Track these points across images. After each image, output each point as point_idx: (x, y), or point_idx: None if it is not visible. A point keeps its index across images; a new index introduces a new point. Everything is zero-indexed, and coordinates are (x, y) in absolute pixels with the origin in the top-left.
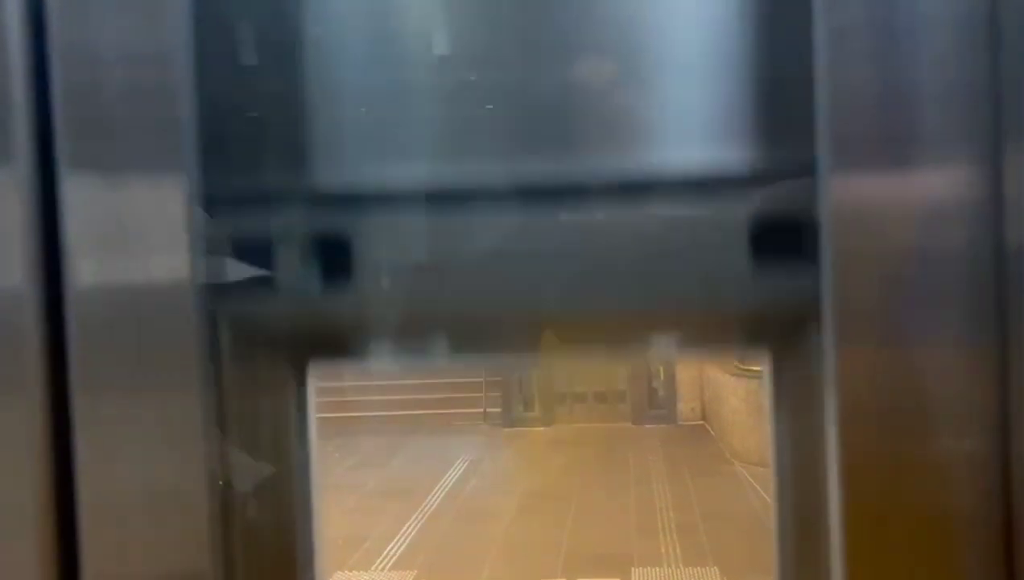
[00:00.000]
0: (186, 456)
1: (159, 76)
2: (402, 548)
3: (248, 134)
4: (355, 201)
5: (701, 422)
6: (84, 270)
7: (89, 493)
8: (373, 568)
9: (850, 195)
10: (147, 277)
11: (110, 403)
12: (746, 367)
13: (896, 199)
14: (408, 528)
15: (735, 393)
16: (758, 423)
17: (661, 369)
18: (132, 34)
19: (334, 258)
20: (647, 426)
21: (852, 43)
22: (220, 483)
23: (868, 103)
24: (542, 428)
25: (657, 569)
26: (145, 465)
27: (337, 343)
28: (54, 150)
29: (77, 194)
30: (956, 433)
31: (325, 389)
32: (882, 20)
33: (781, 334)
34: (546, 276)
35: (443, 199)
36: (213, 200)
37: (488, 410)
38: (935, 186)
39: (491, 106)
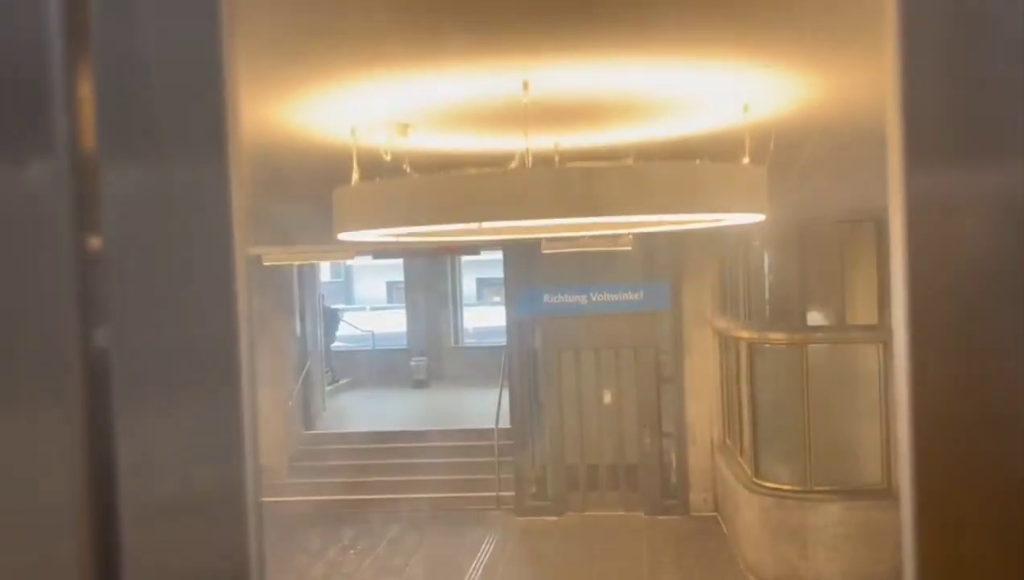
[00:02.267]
0: (226, 457)
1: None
2: None
3: None
4: None
5: (714, 513)
6: (125, 269)
7: (129, 494)
8: None
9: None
10: (188, 278)
11: (151, 404)
12: (760, 482)
13: (971, 197)
14: None
15: (750, 507)
16: (773, 542)
17: (674, 457)
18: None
19: None
20: (660, 517)
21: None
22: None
23: (942, 100)
24: (555, 518)
25: None
26: (185, 466)
27: None
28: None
29: (117, 193)
30: None
31: (336, 468)
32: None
33: None
34: None
35: None
36: None
37: (501, 494)
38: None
39: None
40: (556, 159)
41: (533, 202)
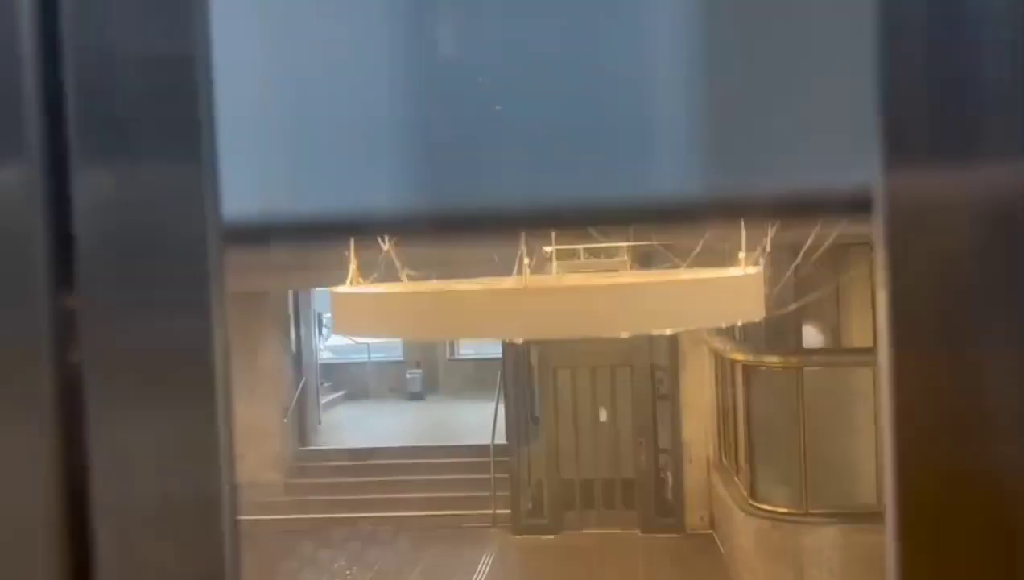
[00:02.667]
0: (202, 469)
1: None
2: None
3: None
4: None
5: (710, 531)
6: (98, 276)
7: (103, 504)
8: None
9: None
10: (163, 283)
11: (125, 412)
12: (756, 505)
13: (955, 196)
14: None
15: (746, 529)
16: (771, 565)
17: (670, 475)
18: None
19: None
20: (656, 535)
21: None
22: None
23: (924, 98)
24: (552, 536)
25: None
26: (160, 478)
27: None
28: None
29: (89, 195)
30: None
31: (332, 485)
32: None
33: None
34: None
35: None
36: None
37: (497, 512)
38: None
39: None
40: (553, 265)
41: (531, 321)
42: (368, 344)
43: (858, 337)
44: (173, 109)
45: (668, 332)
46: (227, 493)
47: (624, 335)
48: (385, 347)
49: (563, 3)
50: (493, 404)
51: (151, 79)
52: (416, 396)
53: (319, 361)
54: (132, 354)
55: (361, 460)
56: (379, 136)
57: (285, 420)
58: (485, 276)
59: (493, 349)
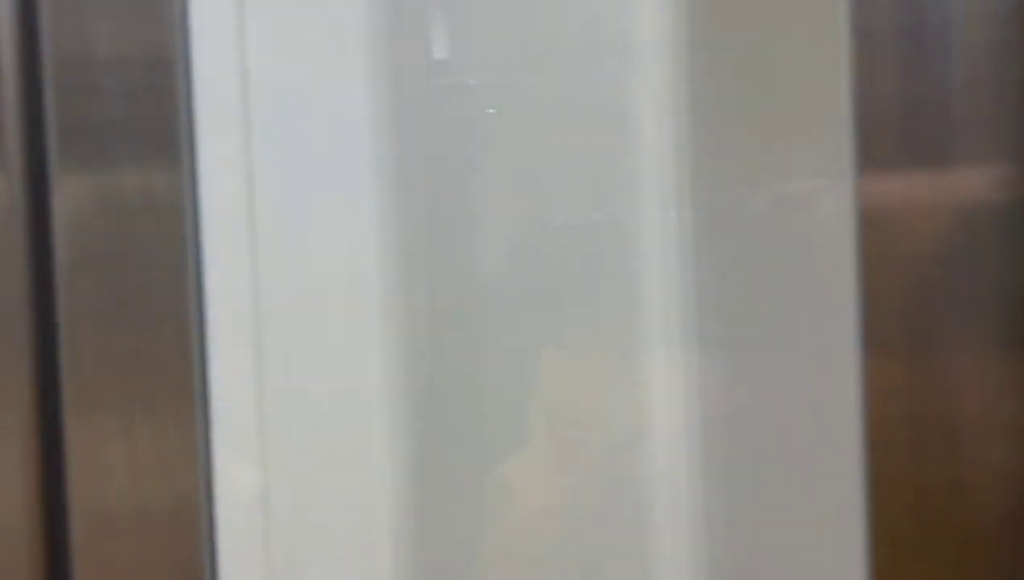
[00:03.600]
0: (180, 474)
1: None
2: None
3: None
4: None
5: None
6: (78, 283)
7: (80, 510)
8: None
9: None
10: (143, 289)
11: (103, 417)
12: None
13: (928, 200)
14: None
15: None
16: None
17: None
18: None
19: None
20: None
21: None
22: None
23: (897, 103)
24: None
25: None
26: (138, 483)
27: None
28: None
29: (70, 203)
30: (987, 445)
31: None
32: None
33: None
34: None
35: None
36: None
37: None
38: (968, 187)
39: None
40: None
41: None
42: None
43: None
44: (151, 114)
45: None
46: (205, 499)
47: None
48: None
49: None
50: None
51: (130, 85)
52: None
53: None
54: (111, 360)
55: None
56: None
57: None
58: None
59: None
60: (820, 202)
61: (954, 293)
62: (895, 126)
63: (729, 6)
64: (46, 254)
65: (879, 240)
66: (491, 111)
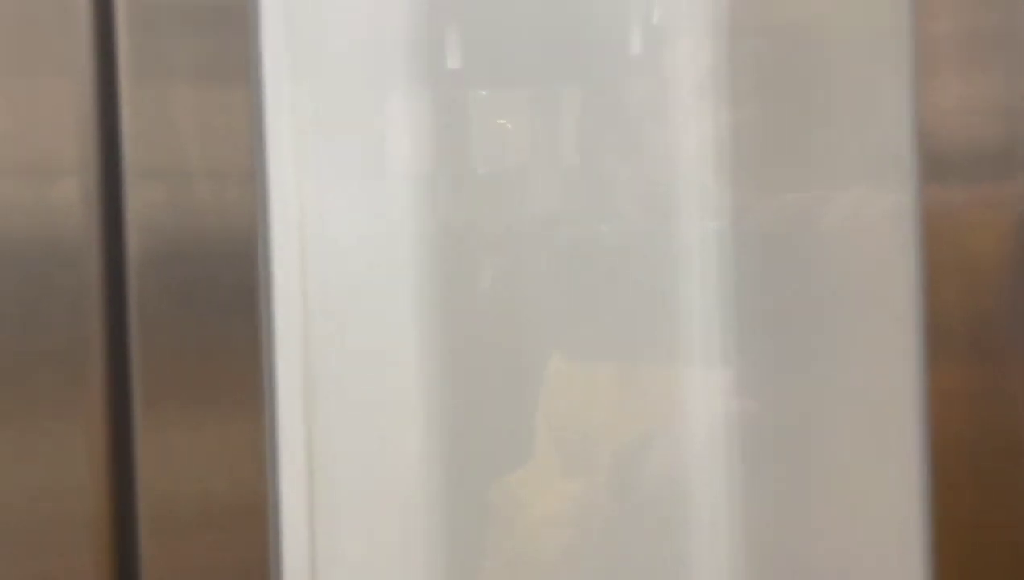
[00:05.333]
0: (248, 472)
1: None
2: None
3: None
4: None
5: None
6: (149, 281)
7: (149, 503)
8: None
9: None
10: (212, 289)
11: (173, 412)
12: None
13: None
14: None
15: None
16: None
17: None
18: None
19: None
20: None
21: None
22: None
23: (959, 110)
24: None
25: None
26: (206, 481)
27: None
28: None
29: (142, 205)
30: None
31: None
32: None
33: None
34: None
35: None
36: None
37: None
38: None
39: None
40: None
41: None
42: None
43: None
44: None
45: None
46: (272, 497)
47: None
48: None
49: None
50: None
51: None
52: None
53: None
54: (181, 357)
55: None
56: None
57: None
58: None
59: None
60: (879, 210)
61: (1018, 300)
62: (958, 134)
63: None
64: (120, 253)
65: (942, 248)
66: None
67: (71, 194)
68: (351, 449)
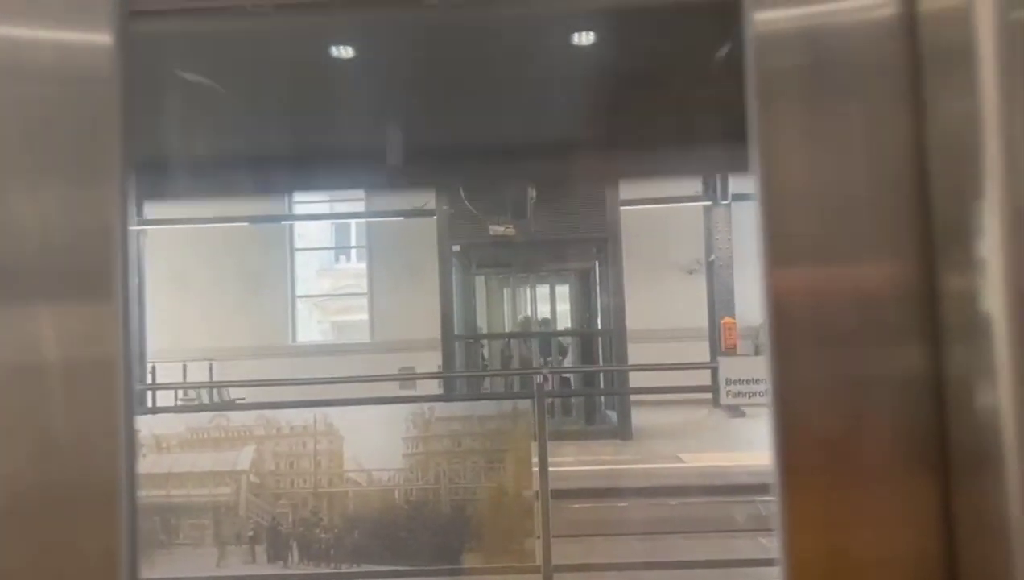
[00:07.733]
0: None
1: None
2: None
3: None
4: None
5: None
6: None
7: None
8: None
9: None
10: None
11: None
12: None
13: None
14: None
15: None
16: None
17: None
18: None
19: None
20: None
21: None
22: None
23: (803, 203)
24: None
25: None
26: (52, 461)
27: None
28: None
29: None
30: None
31: None
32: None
33: None
34: None
35: None
36: None
37: None
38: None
39: None
40: None
41: None
42: None
43: None
44: None
45: None
46: (125, 479)
47: None
48: None
49: None
50: None
51: None
52: None
53: None
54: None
55: None
56: None
57: None
58: None
59: None
60: None
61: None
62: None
63: None
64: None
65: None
66: None
67: None
68: None
